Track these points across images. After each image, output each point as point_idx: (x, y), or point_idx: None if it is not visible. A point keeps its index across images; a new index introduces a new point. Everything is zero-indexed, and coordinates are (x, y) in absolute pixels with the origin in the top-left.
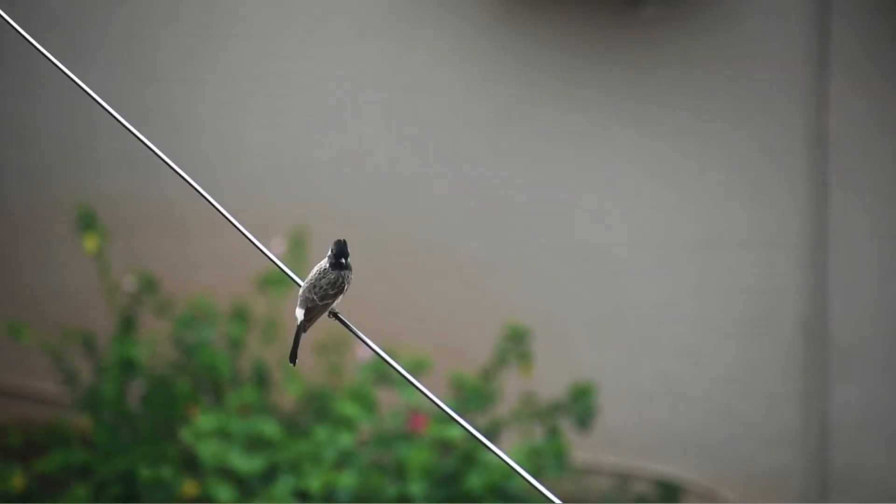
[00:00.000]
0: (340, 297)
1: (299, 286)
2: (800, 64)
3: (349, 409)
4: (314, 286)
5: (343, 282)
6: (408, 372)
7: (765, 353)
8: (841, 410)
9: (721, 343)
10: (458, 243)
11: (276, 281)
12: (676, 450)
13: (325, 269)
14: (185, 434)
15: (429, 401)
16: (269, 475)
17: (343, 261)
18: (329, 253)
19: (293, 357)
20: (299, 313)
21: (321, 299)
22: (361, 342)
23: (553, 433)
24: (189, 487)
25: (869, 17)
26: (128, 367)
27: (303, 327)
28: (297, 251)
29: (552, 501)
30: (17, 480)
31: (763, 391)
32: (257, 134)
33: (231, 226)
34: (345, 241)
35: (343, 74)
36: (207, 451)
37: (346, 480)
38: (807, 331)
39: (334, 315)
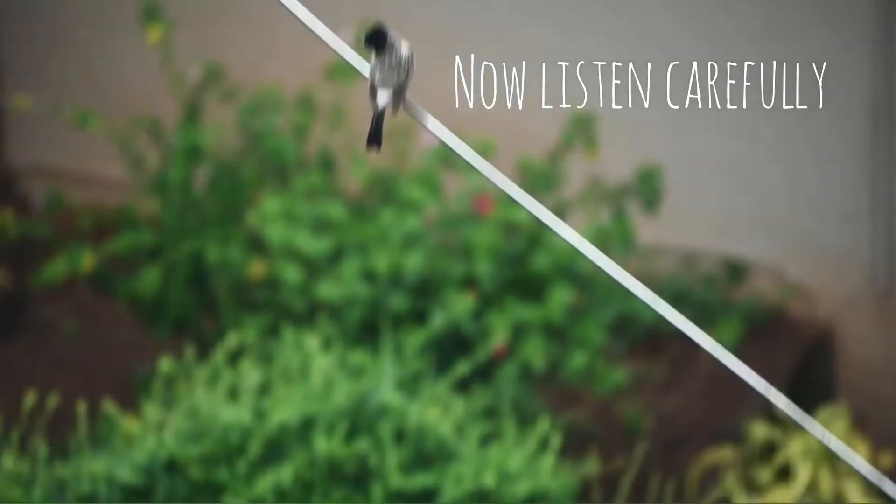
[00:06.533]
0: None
1: (366, 76)
2: None
3: (415, 192)
4: (390, 66)
5: (412, 60)
6: (473, 155)
7: (831, 133)
8: None
9: (784, 123)
10: (524, 31)
11: (343, 70)
12: (743, 229)
13: (393, 47)
14: (251, 217)
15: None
16: (335, 256)
17: (385, 40)
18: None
19: (377, 141)
20: (383, 95)
21: (405, 79)
22: (426, 130)
23: (619, 215)
24: (257, 268)
25: None
26: (194, 153)
27: (393, 109)
28: None
29: (616, 281)
30: (87, 260)
31: (830, 171)
32: None
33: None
34: (382, 23)
35: None
36: (274, 232)
37: (413, 261)
38: (875, 111)
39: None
